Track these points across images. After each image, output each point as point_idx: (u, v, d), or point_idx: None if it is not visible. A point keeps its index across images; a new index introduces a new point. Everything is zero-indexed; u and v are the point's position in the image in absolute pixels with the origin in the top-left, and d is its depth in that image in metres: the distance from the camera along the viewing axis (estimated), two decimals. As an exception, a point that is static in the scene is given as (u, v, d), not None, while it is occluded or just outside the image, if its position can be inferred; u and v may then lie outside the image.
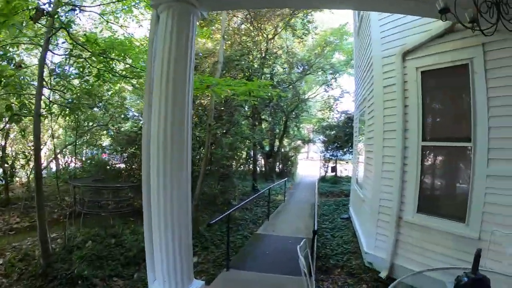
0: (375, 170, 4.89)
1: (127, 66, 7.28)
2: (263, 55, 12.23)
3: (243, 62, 10.68)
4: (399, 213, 4.32)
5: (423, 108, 4.16)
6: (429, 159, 4.15)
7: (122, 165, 10.26)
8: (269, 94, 6.93)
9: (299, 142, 19.99)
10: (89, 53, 6.24)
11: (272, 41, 12.72)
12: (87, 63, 6.54)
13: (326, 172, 16.72)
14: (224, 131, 10.17)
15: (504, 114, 3.30)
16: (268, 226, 7.16)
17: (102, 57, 6.29)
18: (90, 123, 10.04)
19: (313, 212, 8.41)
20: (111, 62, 6.80)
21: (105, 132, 10.95)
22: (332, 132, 15.62)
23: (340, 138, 14.66)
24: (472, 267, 2.03)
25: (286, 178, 12.70)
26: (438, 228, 3.84)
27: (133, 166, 9.27)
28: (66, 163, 11.05)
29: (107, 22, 7.47)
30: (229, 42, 12.29)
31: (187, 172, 2.49)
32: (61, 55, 6.57)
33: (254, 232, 6.75)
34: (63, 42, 6.82)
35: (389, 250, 4.38)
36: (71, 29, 5.89)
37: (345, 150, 15.42)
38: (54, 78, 6.90)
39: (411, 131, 4.26)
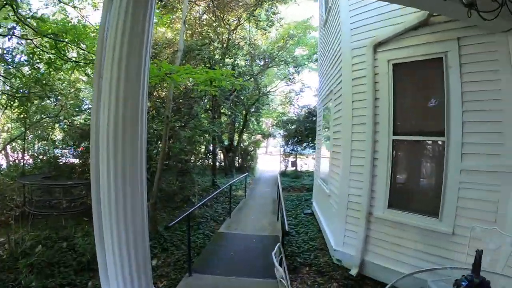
0: (343, 165, 4.75)
1: (81, 52, 6.45)
2: (225, 45, 11.71)
3: (204, 52, 10.06)
4: (369, 208, 4.22)
5: (394, 101, 4.07)
6: (401, 154, 4.07)
7: (77, 160, 9.49)
8: (232, 84, 6.50)
9: (259, 136, 19.81)
10: (38, 35, 5.37)
11: (234, 31, 12.24)
12: (38, 49, 5.69)
13: (287, 166, 16.75)
14: (183, 124, 9.52)
15: (479, 109, 3.29)
16: (231, 223, 6.78)
17: (52, 40, 5.42)
18: (41, 115, 9.10)
19: (276, 208, 8.22)
20: (63, 47, 5.93)
21: (57, 125, 10.17)
22: (293, 127, 15.61)
23: (300, 133, 14.69)
24: (472, 269, 1.86)
25: (246, 173, 12.40)
26: (410, 223, 3.79)
27: (88, 162, 8.35)
28: (17, 159, 10.18)
29: (60, 1, 6.54)
30: (190, 32, 11.63)
31: (142, 169, 2.12)
32: (5, 35, 5.55)
33: (216, 231, 6.33)
34: (5, 18, 5.76)
35: (359, 247, 4.27)
36: (20, 10, 5.04)
37: (305, 144, 15.55)
38: (2, 65, 5.95)
39: (382, 124, 4.15)
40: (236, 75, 11.13)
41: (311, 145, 14.99)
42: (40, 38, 5.69)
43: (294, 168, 16.50)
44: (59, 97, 8.98)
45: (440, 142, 3.64)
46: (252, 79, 13.51)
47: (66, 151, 9.93)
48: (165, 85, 9.87)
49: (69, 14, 6.98)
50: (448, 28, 3.54)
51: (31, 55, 5.99)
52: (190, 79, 6.19)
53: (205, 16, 12.39)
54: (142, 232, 2.13)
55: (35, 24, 5.57)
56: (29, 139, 10.55)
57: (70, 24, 6.09)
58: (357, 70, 4.56)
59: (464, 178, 3.38)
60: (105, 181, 1.97)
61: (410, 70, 4.03)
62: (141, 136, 2.07)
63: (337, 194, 4.92)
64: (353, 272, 4.23)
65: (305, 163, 16.94)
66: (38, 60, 6.13)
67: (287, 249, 5.34)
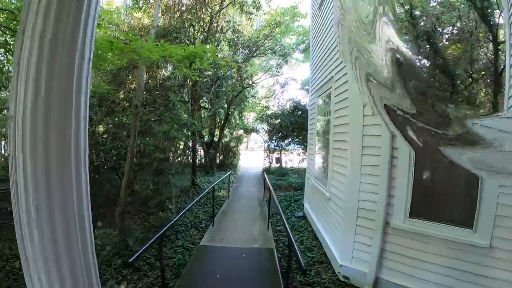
0: (351, 164, 4.04)
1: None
2: (207, 29, 10.73)
3: (182, 36, 9.03)
4: (385, 217, 3.54)
5: (416, 89, 3.38)
6: (426, 151, 3.38)
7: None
8: (219, 64, 5.52)
9: (241, 131, 18.89)
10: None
11: (217, 16, 11.27)
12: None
13: (271, 163, 16.00)
14: (158, 118, 8.49)
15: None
16: (215, 233, 5.88)
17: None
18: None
19: (264, 212, 7.43)
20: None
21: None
22: (277, 121, 14.81)
23: (285, 127, 13.90)
24: None
25: (230, 171, 11.56)
26: (437, 235, 3.16)
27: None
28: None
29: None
30: (168, 17, 10.57)
31: (79, 165, 1.24)
32: None
33: (198, 244, 5.40)
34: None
35: (372, 262, 3.59)
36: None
37: (289, 140, 14.80)
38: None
39: (401, 116, 3.45)
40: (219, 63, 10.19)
41: (296, 140, 14.29)
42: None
43: (278, 165, 15.76)
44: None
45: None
46: (234, 70, 12.57)
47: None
48: (136, 74, 8.81)
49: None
50: None
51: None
52: (168, 65, 5.21)
53: (185, 1, 11.41)
54: (81, 255, 1.29)
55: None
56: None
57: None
58: (368, 52, 3.83)
59: (505, 181, 2.76)
60: (22, 193, 1.12)
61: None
62: (77, 118, 1.21)
63: (343, 198, 4.21)
64: (367, 293, 3.54)
65: (290, 160, 16.27)
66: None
67: (283, 264, 4.60)
